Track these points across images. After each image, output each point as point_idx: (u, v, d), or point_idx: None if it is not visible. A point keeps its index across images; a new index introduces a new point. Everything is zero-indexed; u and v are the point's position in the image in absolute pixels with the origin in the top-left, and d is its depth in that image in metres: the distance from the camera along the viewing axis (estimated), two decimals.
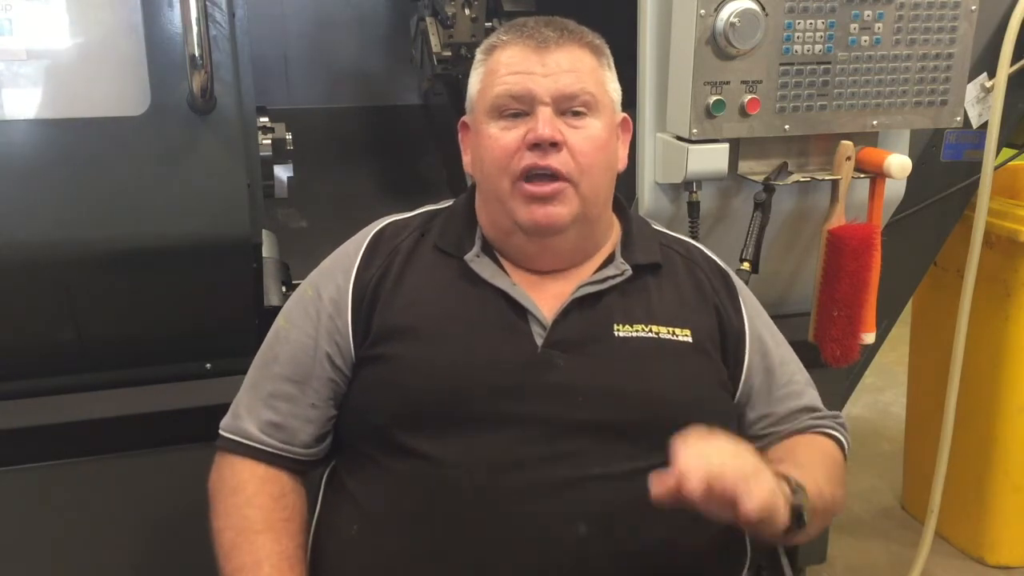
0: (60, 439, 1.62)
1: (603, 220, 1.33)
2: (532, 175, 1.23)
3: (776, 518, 1.04)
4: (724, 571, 1.27)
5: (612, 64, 1.34)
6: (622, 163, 1.36)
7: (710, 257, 1.40)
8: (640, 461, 1.17)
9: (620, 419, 1.19)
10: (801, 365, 1.39)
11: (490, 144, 1.26)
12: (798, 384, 1.36)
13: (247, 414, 1.29)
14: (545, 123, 1.22)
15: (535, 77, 1.24)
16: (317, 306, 1.30)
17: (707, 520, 1.23)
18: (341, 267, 1.32)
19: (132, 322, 1.57)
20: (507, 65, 1.26)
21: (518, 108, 1.25)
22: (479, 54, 1.33)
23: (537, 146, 1.23)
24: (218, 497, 1.27)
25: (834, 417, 1.37)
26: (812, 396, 1.37)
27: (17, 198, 1.42)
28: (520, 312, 1.24)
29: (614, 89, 1.33)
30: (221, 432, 1.30)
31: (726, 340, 1.32)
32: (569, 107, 1.25)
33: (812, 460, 1.26)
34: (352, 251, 1.33)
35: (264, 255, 1.66)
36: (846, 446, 1.35)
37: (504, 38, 1.29)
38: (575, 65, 1.26)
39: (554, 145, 1.22)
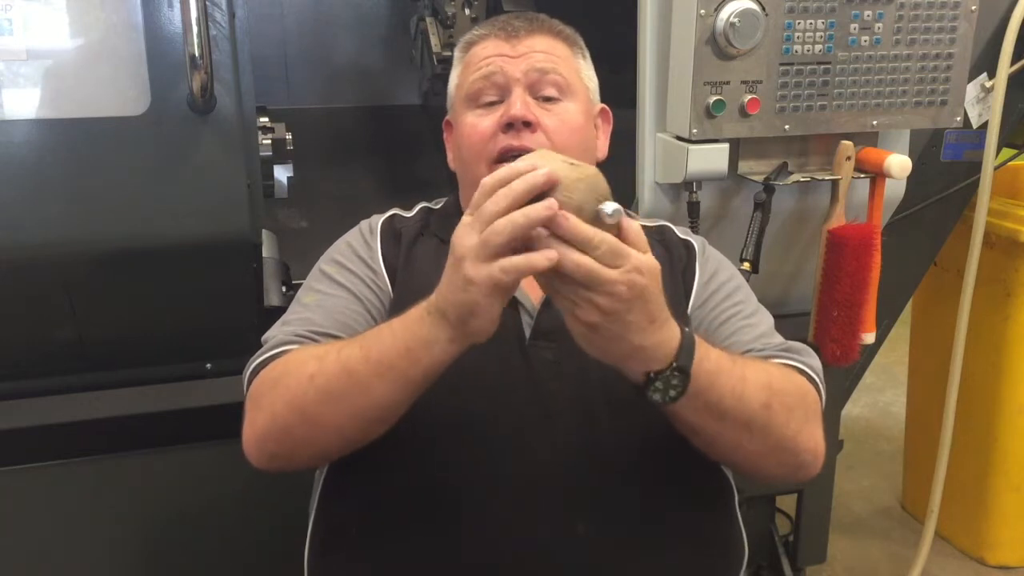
0: (60, 439, 1.62)
1: None
2: (507, 157, 1.24)
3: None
4: (721, 569, 1.27)
5: (587, 55, 1.39)
6: (601, 152, 1.39)
7: (679, 236, 1.38)
8: (633, 450, 1.18)
9: (610, 406, 1.18)
10: (768, 321, 1.30)
11: (468, 132, 1.31)
12: (750, 332, 1.27)
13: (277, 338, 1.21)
14: (517, 103, 1.26)
15: (507, 59, 1.30)
16: (350, 279, 1.27)
17: (702, 514, 1.24)
18: (364, 249, 1.31)
19: (132, 322, 1.57)
20: (481, 55, 1.32)
21: (493, 95, 1.30)
22: (457, 52, 1.39)
23: (511, 126, 1.26)
24: (274, 390, 1.12)
25: (783, 347, 1.24)
26: (766, 343, 1.26)
27: (17, 198, 1.42)
28: (511, 300, 1.24)
29: (589, 77, 1.38)
30: (248, 371, 1.20)
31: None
32: (542, 89, 1.29)
33: (754, 367, 1.13)
34: (368, 235, 1.34)
35: (264, 255, 1.66)
36: (812, 374, 1.21)
37: (478, 32, 1.36)
38: (547, 49, 1.31)
39: (527, 125, 1.26)
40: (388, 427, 1.11)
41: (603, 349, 0.99)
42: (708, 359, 1.05)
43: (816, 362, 1.24)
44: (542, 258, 0.91)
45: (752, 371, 1.13)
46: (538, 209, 0.91)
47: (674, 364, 1.00)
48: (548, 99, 1.29)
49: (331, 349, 1.12)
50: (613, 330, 0.96)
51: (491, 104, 1.30)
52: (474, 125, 1.30)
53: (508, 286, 0.94)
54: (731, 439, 1.10)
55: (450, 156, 1.41)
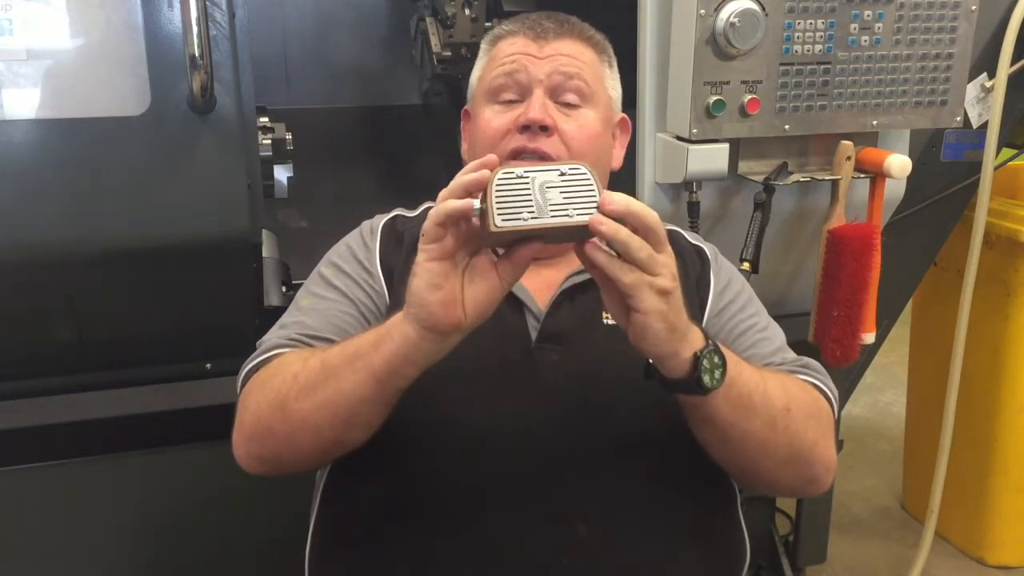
0: (60, 439, 1.62)
1: None
2: (521, 157, 1.25)
3: (669, 335, 0.98)
4: (723, 570, 1.27)
5: (614, 64, 1.37)
6: (616, 162, 1.38)
7: (691, 241, 1.38)
8: (637, 453, 1.17)
9: (615, 409, 1.19)
10: (780, 335, 1.32)
11: (483, 126, 1.29)
12: (767, 345, 1.28)
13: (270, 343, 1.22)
14: (536, 106, 1.25)
15: (532, 59, 1.28)
16: (346, 282, 1.27)
17: (705, 516, 1.24)
18: (362, 251, 1.31)
19: (132, 322, 1.57)
20: (507, 51, 1.30)
21: (514, 93, 1.28)
22: (484, 44, 1.38)
23: (527, 128, 1.25)
24: (261, 390, 1.13)
25: (800, 363, 1.26)
26: (783, 357, 1.28)
27: (17, 198, 1.42)
28: (516, 304, 1.24)
29: (612, 87, 1.36)
30: (241, 375, 1.21)
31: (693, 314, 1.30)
32: (563, 93, 1.28)
33: (772, 373, 1.16)
34: (368, 236, 1.33)
35: (264, 255, 1.66)
36: (828, 392, 1.23)
37: (507, 28, 1.34)
38: (574, 54, 1.29)
39: (544, 129, 1.25)
40: (363, 432, 1.10)
41: (673, 327, 0.99)
42: (727, 347, 1.07)
43: (831, 382, 1.25)
44: (462, 204, 0.94)
45: (769, 373, 1.15)
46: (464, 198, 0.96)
47: (709, 342, 1.03)
48: (568, 104, 1.28)
49: (318, 351, 1.13)
50: (674, 311, 0.98)
51: (510, 102, 1.29)
52: (489, 121, 1.29)
53: (435, 237, 0.95)
54: (758, 441, 1.10)
55: (464, 147, 1.40)
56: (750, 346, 1.27)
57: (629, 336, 1.00)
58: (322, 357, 1.09)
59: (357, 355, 1.05)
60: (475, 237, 0.98)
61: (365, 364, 1.04)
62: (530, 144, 1.25)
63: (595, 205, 0.94)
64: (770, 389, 1.11)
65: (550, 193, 0.94)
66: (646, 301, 0.96)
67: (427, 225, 0.96)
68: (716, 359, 1.02)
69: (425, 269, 0.96)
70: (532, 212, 0.94)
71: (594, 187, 0.95)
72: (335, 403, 1.07)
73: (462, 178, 0.97)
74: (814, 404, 1.18)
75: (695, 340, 1.02)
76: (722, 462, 1.17)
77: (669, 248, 0.98)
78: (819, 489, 1.20)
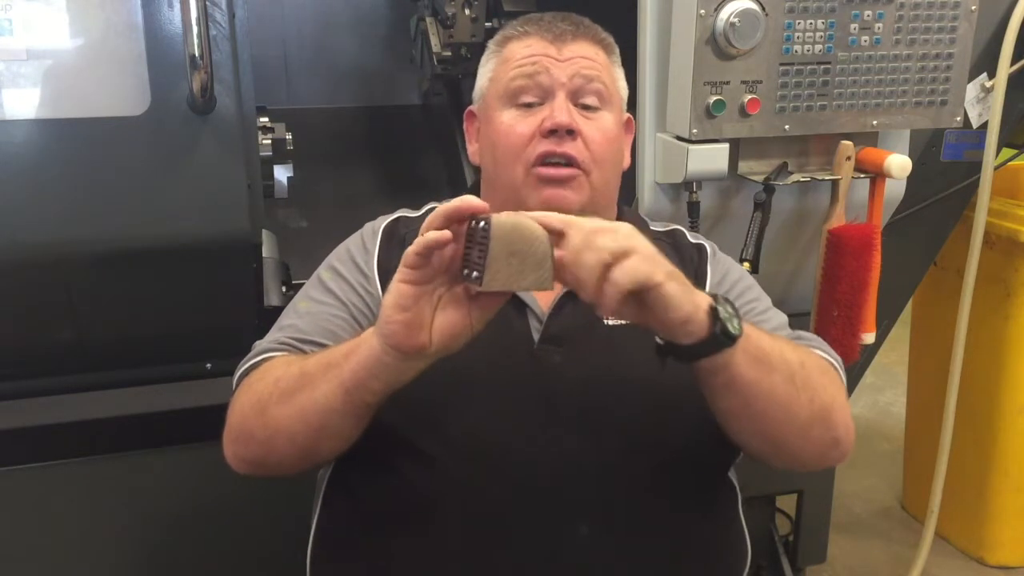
0: (60, 439, 1.62)
1: (608, 215, 1.33)
2: (547, 161, 1.25)
3: (681, 303, 0.97)
4: (724, 571, 1.27)
5: (620, 63, 1.38)
6: (626, 161, 1.39)
7: (691, 240, 1.38)
8: (639, 453, 1.17)
9: (616, 410, 1.19)
10: (781, 317, 1.33)
11: (504, 131, 1.28)
12: (764, 327, 1.26)
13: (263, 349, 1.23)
14: (562, 110, 1.25)
15: (552, 61, 1.27)
16: (342, 286, 1.27)
17: (707, 517, 1.24)
18: (360, 254, 1.31)
19: (132, 322, 1.57)
20: (524, 52, 1.29)
21: (534, 96, 1.27)
22: (492, 45, 1.36)
23: (553, 133, 1.24)
24: (246, 393, 1.15)
25: (797, 336, 1.28)
26: (785, 334, 1.29)
27: (17, 198, 1.43)
28: (519, 305, 1.24)
29: (623, 87, 1.37)
30: (235, 377, 1.22)
31: None
32: (583, 96, 1.27)
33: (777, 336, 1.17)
34: (369, 238, 1.33)
35: (264, 255, 1.66)
36: (831, 358, 1.24)
37: (520, 29, 1.32)
38: (592, 56, 1.29)
39: (570, 133, 1.24)
40: (337, 443, 1.12)
41: (682, 281, 0.99)
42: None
43: (833, 352, 1.26)
44: (438, 236, 0.95)
45: (775, 335, 1.15)
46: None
47: (715, 295, 1.02)
48: (587, 107, 1.28)
49: (302, 356, 1.14)
50: (669, 266, 0.98)
51: (529, 105, 1.28)
52: (511, 126, 1.27)
53: (413, 264, 0.96)
54: (781, 400, 1.08)
55: (472, 149, 1.38)
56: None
57: (652, 320, 0.99)
58: (301, 364, 1.11)
59: (330, 364, 1.07)
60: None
61: (336, 373, 1.05)
62: (557, 148, 1.24)
63: (481, 267, 0.94)
64: (782, 345, 1.11)
65: (474, 250, 0.96)
66: (657, 275, 0.95)
67: (409, 250, 0.97)
68: (729, 308, 1.01)
69: (397, 289, 0.98)
70: (466, 269, 0.97)
71: (487, 243, 0.94)
72: (308, 411, 1.08)
73: (448, 210, 0.97)
74: (820, 363, 1.18)
75: (702, 298, 1.01)
76: (746, 435, 1.14)
77: (613, 222, 0.98)
78: (842, 454, 1.17)
